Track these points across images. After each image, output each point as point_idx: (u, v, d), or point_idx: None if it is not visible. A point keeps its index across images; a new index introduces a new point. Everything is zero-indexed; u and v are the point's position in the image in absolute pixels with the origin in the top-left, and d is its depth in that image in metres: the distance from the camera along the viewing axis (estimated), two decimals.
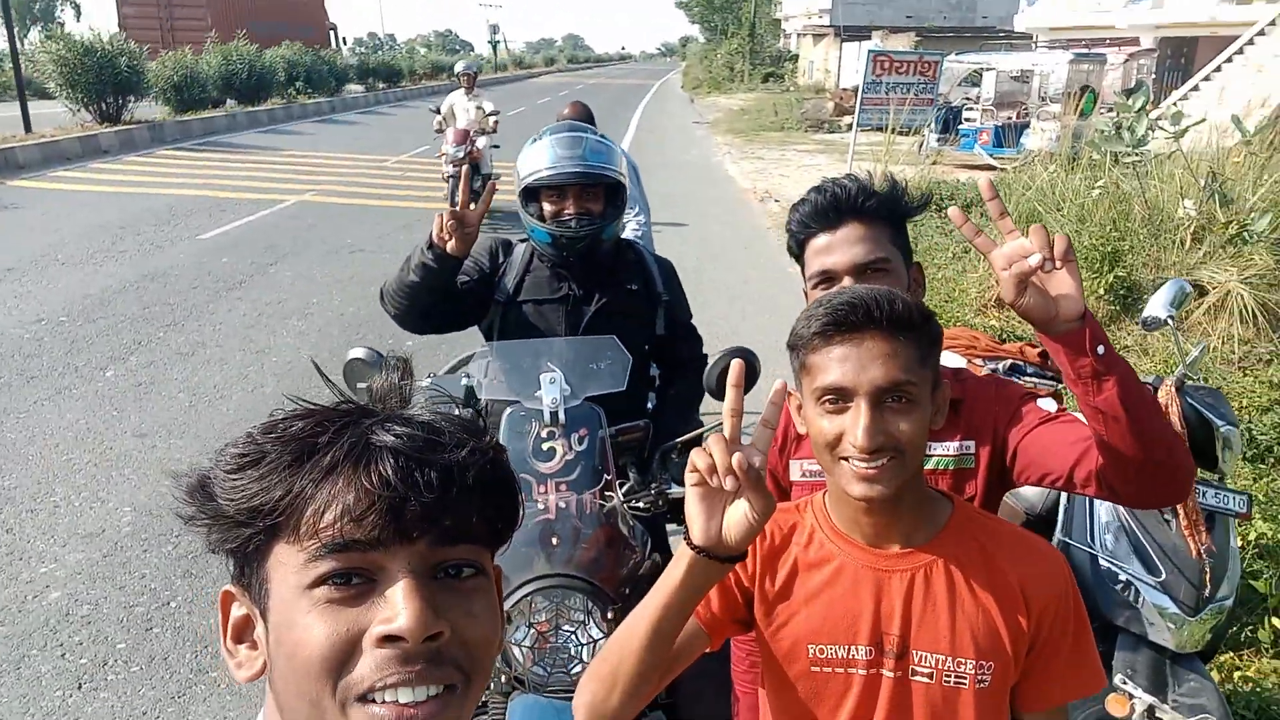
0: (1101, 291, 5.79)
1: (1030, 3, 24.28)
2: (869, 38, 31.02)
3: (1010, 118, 15.11)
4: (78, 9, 60.33)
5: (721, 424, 1.02)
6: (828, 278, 1.53)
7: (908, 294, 1.47)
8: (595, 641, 1.57)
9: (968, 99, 17.13)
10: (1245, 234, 5.86)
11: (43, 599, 3.40)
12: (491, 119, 10.05)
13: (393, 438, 0.66)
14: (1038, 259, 1.13)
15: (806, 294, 1.61)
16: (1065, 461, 1.35)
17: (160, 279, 7.81)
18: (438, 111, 10.31)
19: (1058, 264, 1.15)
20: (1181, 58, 20.62)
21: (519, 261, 2.43)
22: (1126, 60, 16.32)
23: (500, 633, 0.74)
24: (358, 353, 2.12)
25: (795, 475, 1.61)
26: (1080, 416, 1.42)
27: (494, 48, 70.08)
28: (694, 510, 1.02)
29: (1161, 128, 6.29)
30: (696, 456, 1.01)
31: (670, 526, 2.27)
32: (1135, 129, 6.22)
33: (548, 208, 2.31)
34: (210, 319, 6.79)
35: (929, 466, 1.51)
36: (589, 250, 2.33)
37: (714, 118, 26.77)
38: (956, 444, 1.50)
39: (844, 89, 25.82)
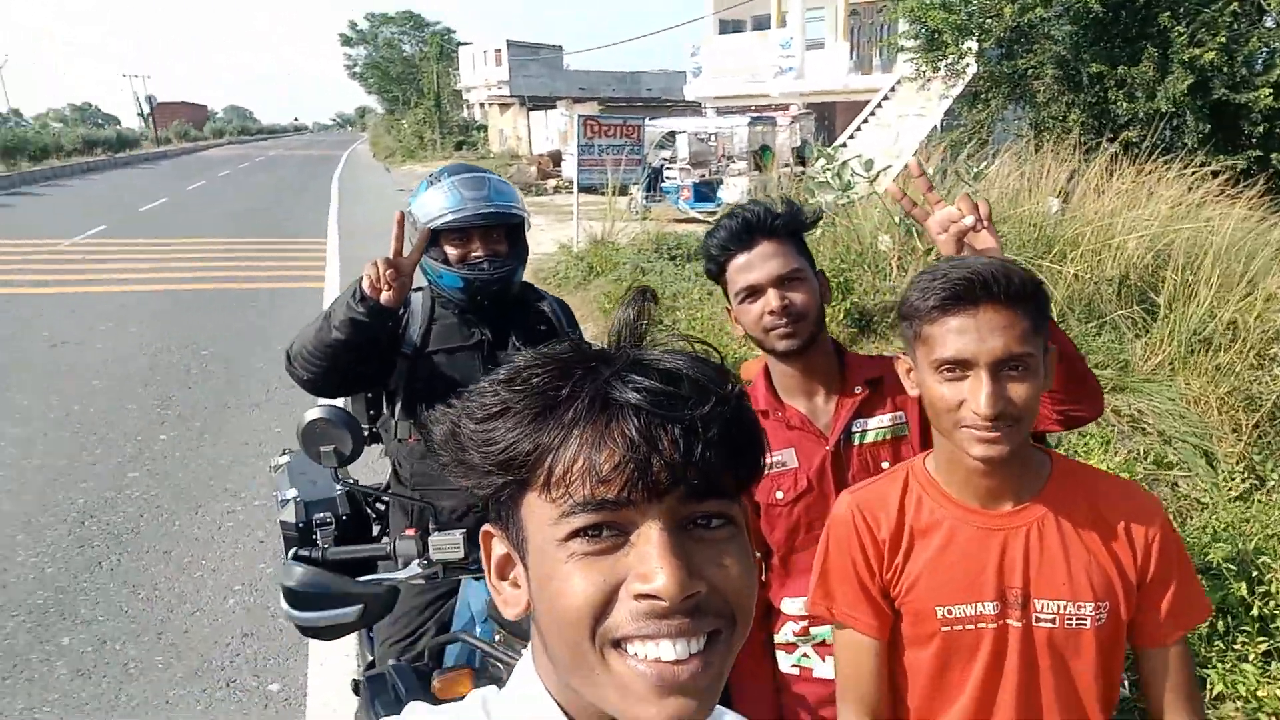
0: (841, 317, 6.60)
1: (695, 75, 26.90)
2: (554, 107, 32.57)
3: (704, 174, 16.60)
4: None
5: None
6: (753, 291, 1.66)
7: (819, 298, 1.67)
8: None
9: (664, 159, 18.58)
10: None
11: None
12: None
13: (634, 393, 0.64)
14: (971, 220, 1.35)
15: (730, 311, 1.73)
16: None
17: None
18: None
19: (985, 224, 1.37)
20: (825, 120, 23.92)
21: (421, 311, 2.34)
22: (792, 122, 18.64)
23: (755, 578, 0.73)
24: (316, 414, 1.86)
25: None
26: None
27: (147, 120, 64.22)
28: None
29: (861, 175, 7.34)
30: None
31: None
32: (842, 176, 7.21)
33: (452, 252, 2.25)
34: None
35: (869, 440, 1.66)
36: (501, 293, 2.32)
37: (417, 185, 26.44)
38: (890, 416, 1.68)
39: (539, 154, 26.80)
